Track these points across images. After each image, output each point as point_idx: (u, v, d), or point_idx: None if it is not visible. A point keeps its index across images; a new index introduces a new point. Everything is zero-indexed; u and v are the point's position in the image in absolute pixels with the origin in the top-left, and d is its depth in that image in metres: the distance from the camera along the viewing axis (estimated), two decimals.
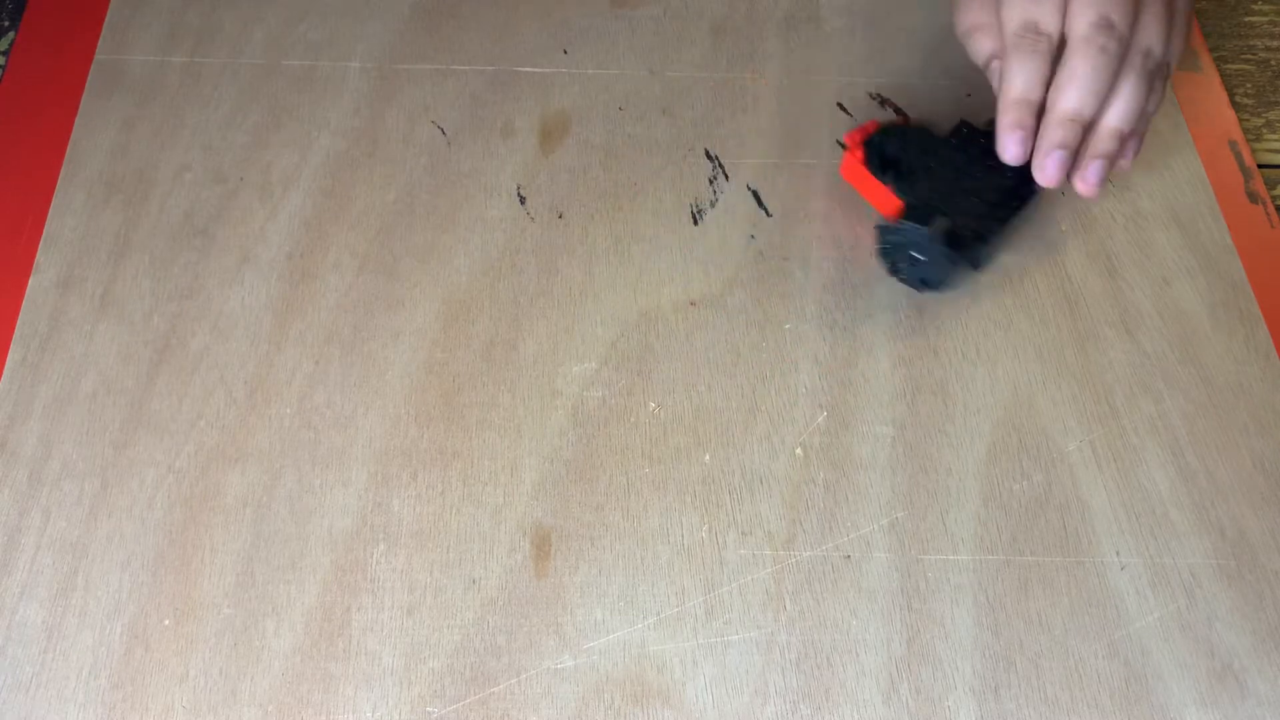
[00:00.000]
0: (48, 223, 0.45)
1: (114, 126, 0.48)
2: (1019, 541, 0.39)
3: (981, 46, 0.44)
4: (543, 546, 0.39)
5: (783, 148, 0.49)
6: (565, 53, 0.51)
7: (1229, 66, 0.54)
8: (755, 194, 0.48)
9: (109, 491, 0.39)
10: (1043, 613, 0.38)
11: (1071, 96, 0.40)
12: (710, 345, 0.43)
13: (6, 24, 0.52)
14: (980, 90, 0.51)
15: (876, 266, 0.46)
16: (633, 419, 0.41)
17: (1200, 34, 0.54)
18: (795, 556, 0.39)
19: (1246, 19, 0.56)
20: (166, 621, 0.37)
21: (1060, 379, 0.43)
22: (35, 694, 0.35)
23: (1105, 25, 0.40)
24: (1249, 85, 0.53)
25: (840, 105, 0.51)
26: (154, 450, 0.40)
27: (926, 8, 0.55)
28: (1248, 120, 0.52)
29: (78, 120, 0.48)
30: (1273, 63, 0.54)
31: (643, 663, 0.37)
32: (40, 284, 0.43)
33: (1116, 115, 0.41)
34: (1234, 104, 0.52)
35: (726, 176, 0.48)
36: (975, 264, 0.44)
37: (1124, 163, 0.43)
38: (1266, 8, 0.57)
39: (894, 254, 0.44)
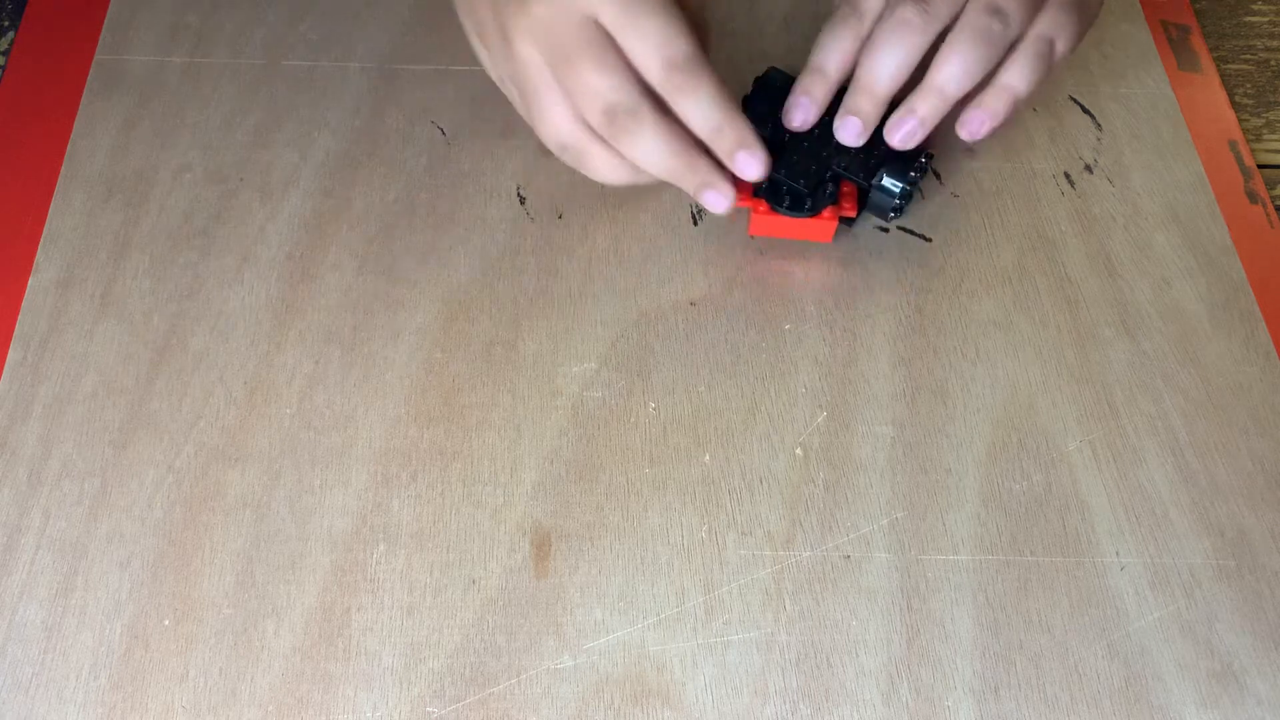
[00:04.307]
0: (48, 223, 0.45)
1: (114, 126, 0.48)
2: (1019, 541, 0.39)
3: None
4: (543, 546, 0.39)
5: None
6: None
7: (1229, 66, 0.54)
8: None
9: (109, 491, 0.39)
10: (1043, 613, 0.38)
11: (948, 74, 0.40)
12: (710, 345, 0.43)
13: (6, 24, 0.52)
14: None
15: (877, 266, 0.46)
16: (632, 419, 0.41)
17: (1200, 34, 0.54)
18: (795, 556, 0.39)
19: (1246, 19, 0.56)
20: (166, 621, 0.37)
21: (1060, 379, 0.43)
22: (35, 694, 0.35)
23: (996, 10, 0.39)
24: (1249, 85, 0.53)
25: None
26: (154, 450, 0.40)
27: None
28: (1248, 120, 0.52)
29: (78, 120, 0.48)
30: (1273, 63, 0.55)
31: (643, 663, 0.37)
32: (40, 284, 0.43)
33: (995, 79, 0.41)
34: (1234, 104, 0.52)
35: None
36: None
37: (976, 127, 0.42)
38: (1266, 8, 0.57)
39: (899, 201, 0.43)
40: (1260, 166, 0.50)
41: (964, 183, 0.48)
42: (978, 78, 0.40)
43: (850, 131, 0.42)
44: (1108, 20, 0.54)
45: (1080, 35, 0.42)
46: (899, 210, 0.44)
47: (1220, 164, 0.50)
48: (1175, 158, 0.50)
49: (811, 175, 0.43)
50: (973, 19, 0.40)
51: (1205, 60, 0.53)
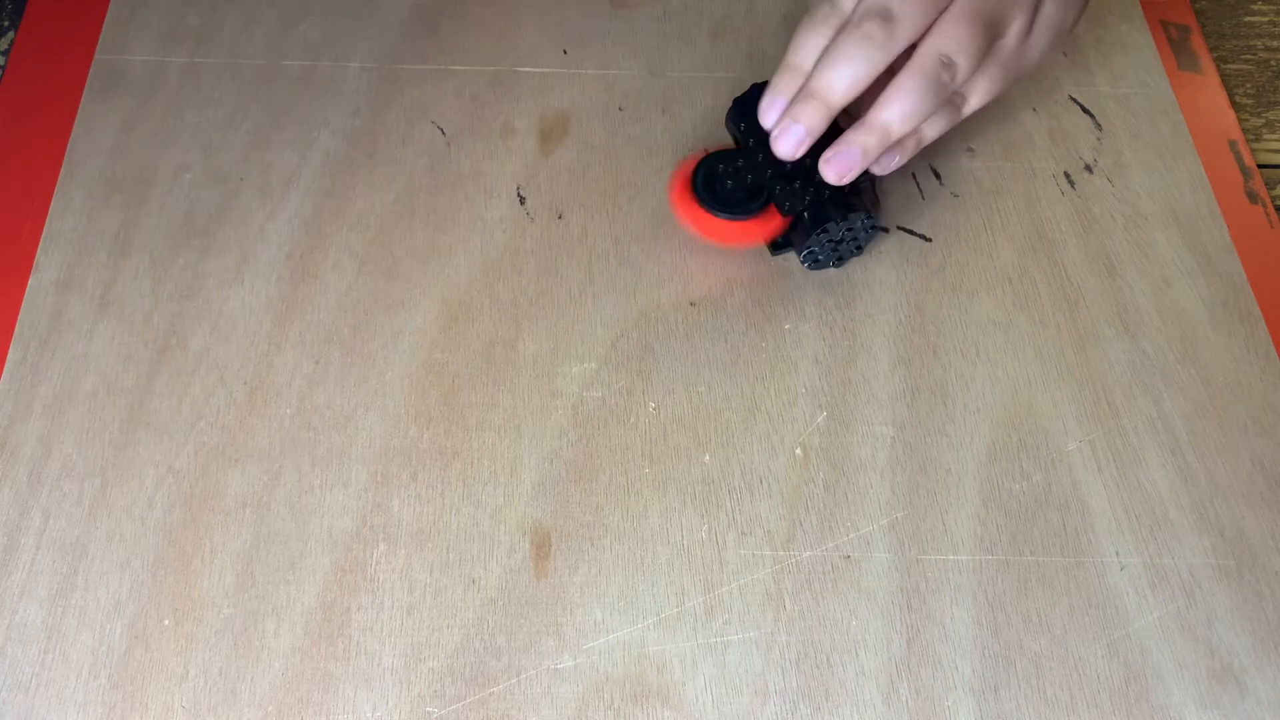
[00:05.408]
0: (48, 223, 0.45)
1: (114, 126, 0.48)
2: (1019, 541, 0.39)
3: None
4: (543, 546, 0.39)
5: None
6: (565, 53, 0.51)
7: (1229, 66, 0.54)
8: None
9: (109, 491, 0.39)
10: (1043, 613, 0.38)
11: (894, 113, 0.39)
12: (710, 345, 0.43)
13: (6, 24, 0.52)
14: None
15: (876, 266, 0.46)
16: (632, 419, 0.41)
17: (1200, 34, 0.54)
18: (795, 556, 0.39)
19: (1246, 19, 0.56)
20: (166, 621, 0.37)
21: (1060, 379, 0.43)
22: (35, 694, 0.35)
23: (947, 63, 0.39)
24: (1249, 85, 0.53)
25: None
26: (154, 450, 0.40)
27: None
28: (1248, 120, 0.52)
29: (78, 120, 0.48)
30: (1273, 63, 0.55)
31: (643, 663, 0.37)
32: (40, 284, 0.43)
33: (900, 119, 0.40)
34: (1234, 104, 0.52)
35: None
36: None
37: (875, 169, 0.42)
38: (1266, 8, 0.57)
39: (829, 247, 0.44)
40: (1260, 166, 0.50)
41: (964, 183, 0.48)
42: (919, 121, 0.40)
43: (791, 139, 0.40)
44: (1108, 20, 0.54)
45: (998, 93, 0.43)
46: (813, 257, 0.44)
47: (1220, 164, 0.50)
48: (1175, 158, 0.50)
49: (750, 185, 0.43)
50: (925, 63, 0.39)
51: (1205, 60, 0.53)
